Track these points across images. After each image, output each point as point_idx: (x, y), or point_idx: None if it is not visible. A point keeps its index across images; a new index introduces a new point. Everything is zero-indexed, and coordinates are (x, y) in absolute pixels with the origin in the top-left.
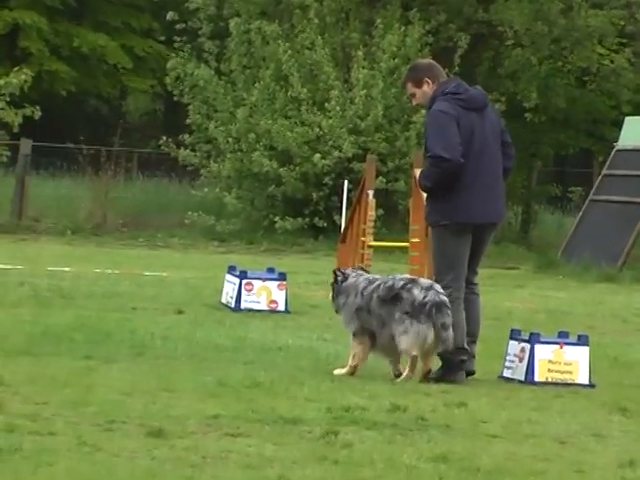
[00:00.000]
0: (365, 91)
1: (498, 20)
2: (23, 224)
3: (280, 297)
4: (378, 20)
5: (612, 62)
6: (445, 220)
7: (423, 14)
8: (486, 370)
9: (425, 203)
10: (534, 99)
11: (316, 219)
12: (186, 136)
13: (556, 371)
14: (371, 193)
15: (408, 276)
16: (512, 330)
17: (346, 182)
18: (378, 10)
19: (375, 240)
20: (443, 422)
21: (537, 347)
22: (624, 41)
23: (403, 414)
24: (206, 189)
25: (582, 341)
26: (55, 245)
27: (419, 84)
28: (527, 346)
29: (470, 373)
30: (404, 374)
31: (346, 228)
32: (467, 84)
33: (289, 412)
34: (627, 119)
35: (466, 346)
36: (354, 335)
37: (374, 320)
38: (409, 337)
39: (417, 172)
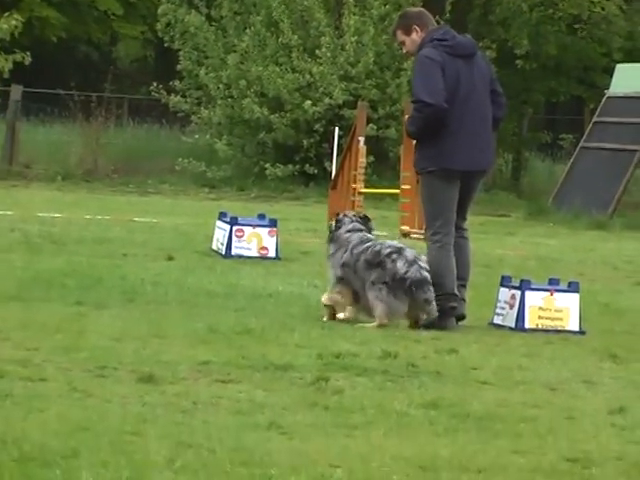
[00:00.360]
0: (356, 38)
1: None
2: (14, 170)
3: (271, 244)
4: None
5: (603, 9)
6: (432, 166)
7: None
8: (477, 317)
9: (414, 150)
10: (525, 46)
11: (307, 166)
12: (177, 82)
13: (546, 318)
14: (362, 140)
15: (396, 244)
16: (503, 277)
17: (337, 129)
18: None
19: (366, 187)
20: (434, 369)
21: (527, 294)
22: None
23: (394, 360)
24: (197, 135)
25: (572, 288)
26: (46, 191)
27: (408, 32)
28: (517, 293)
29: (461, 317)
30: (371, 324)
31: (337, 175)
32: (457, 32)
33: (280, 358)
34: (618, 66)
35: (456, 291)
36: (335, 283)
37: (358, 281)
38: (383, 306)
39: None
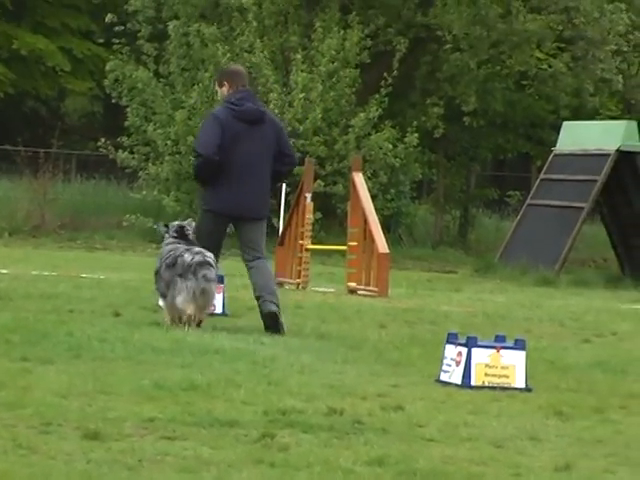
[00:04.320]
0: (304, 94)
1: (437, 24)
2: None
3: (217, 299)
4: (317, 23)
5: (550, 66)
6: (205, 206)
7: (362, 17)
8: (423, 374)
9: None
10: (473, 103)
11: None
12: (125, 138)
13: (493, 375)
14: (309, 196)
15: (186, 247)
16: (449, 334)
17: (284, 185)
18: (317, 13)
19: (313, 243)
20: (380, 425)
21: (474, 351)
22: (562, 46)
23: (340, 417)
24: (144, 191)
25: (519, 345)
26: None
27: (220, 84)
28: (464, 350)
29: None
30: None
31: (284, 231)
32: (254, 99)
33: (226, 415)
34: (565, 124)
35: None
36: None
37: (163, 283)
38: (182, 295)
39: (355, 175)
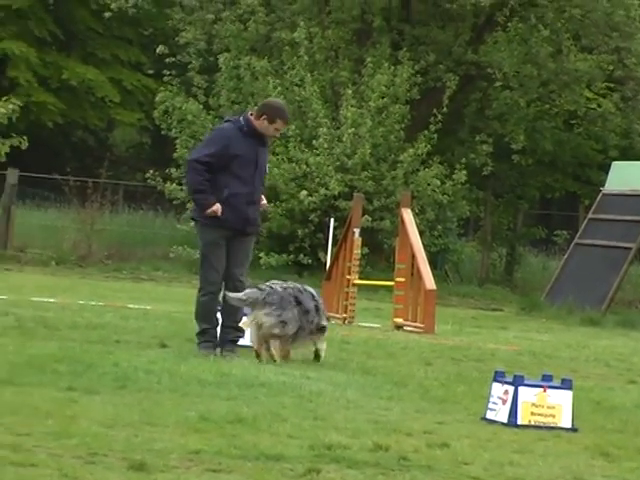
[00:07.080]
0: (353, 129)
1: (487, 62)
2: (8, 254)
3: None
4: (368, 59)
5: (599, 106)
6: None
7: (412, 54)
8: (469, 411)
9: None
10: (521, 141)
11: (301, 256)
12: (173, 170)
13: (539, 414)
14: (357, 231)
15: None
16: (496, 372)
17: (332, 220)
18: (368, 49)
19: (360, 278)
20: (425, 463)
21: (521, 390)
22: (612, 86)
23: (385, 453)
24: (192, 223)
25: (566, 385)
26: (39, 275)
27: (272, 121)
28: (511, 388)
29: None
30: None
31: (331, 266)
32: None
33: (271, 449)
34: (614, 164)
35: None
36: None
37: None
38: None
39: (404, 212)
